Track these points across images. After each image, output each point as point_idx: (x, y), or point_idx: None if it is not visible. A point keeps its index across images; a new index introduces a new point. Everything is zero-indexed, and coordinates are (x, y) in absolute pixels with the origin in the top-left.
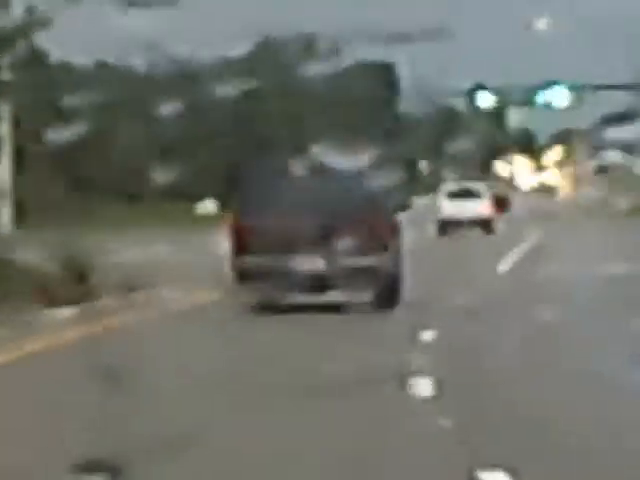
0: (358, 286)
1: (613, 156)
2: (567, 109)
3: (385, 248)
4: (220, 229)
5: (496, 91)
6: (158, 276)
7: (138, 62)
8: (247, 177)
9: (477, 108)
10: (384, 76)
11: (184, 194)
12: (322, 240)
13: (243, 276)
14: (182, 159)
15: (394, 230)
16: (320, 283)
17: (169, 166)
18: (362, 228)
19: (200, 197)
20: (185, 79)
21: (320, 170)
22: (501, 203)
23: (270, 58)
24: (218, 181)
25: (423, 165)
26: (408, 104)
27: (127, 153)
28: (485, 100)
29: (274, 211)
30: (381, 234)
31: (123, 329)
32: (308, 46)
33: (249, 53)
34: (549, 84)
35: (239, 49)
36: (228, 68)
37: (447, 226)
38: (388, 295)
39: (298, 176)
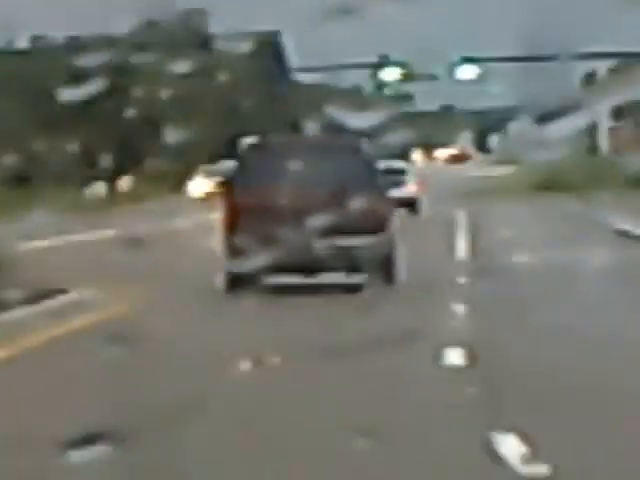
0: (355, 267)
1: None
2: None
3: (383, 227)
4: (109, 214)
5: (402, 65)
6: (67, 274)
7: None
8: (242, 155)
9: (382, 83)
10: (270, 49)
11: (73, 177)
12: (319, 219)
13: (236, 256)
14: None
15: (390, 208)
16: (316, 264)
17: (57, 148)
18: (361, 207)
19: (88, 180)
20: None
21: (318, 145)
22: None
23: (155, 36)
24: (107, 163)
25: None
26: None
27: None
28: (390, 75)
29: (270, 190)
30: (380, 213)
31: None
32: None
33: (132, 32)
34: (459, 59)
35: (121, 27)
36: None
37: None
38: (385, 276)
39: (295, 153)
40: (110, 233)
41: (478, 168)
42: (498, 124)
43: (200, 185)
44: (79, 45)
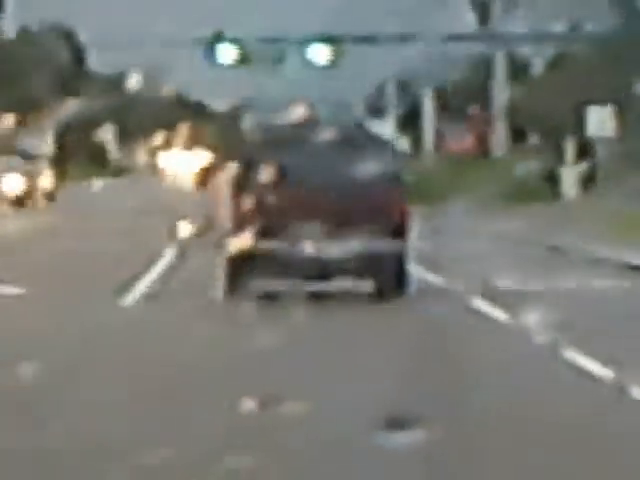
0: (371, 274)
1: None
2: (326, 68)
3: (404, 231)
4: None
5: (238, 44)
6: None
7: None
8: (250, 149)
9: (219, 65)
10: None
11: None
12: (335, 222)
13: (242, 260)
14: None
15: (409, 210)
16: (329, 270)
17: None
18: (381, 209)
19: None
20: None
21: (335, 140)
22: None
23: None
24: None
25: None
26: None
27: None
28: (227, 54)
29: (281, 188)
30: (400, 216)
31: None
32: None
33: None
34: (309, 38)
35: None
36: None
37: None
38: (397, 283)
39: (310, 147)
40: None
41: None
42: None
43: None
44: None
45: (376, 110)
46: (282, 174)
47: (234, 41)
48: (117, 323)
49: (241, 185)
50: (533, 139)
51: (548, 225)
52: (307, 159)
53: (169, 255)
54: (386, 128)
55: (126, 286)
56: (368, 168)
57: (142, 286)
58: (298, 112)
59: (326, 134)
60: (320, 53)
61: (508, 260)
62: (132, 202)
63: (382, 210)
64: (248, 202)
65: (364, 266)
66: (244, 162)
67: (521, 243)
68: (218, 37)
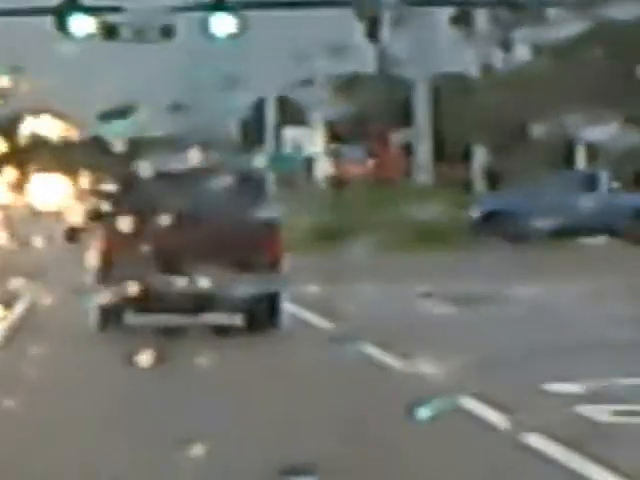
0: (242, 308)
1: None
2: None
3: (277, 266)
4: None
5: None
6: None
7: None
8: (119, 184)
9: (71, 37)
10: None
11: None
12: (205, 255)
13: (110, 292)
14: None
15: (280, 242)
16: (199, 304)
17: None
18: (254, 244)
19: None
20: None
21: (206, 170)
22: None
23: None
24: None
25: None
26: None
27: None
28: (83, 25)
29: (149, 222)
30: (273, 251)
31: None
32: None
33: None
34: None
35: None
36: None
37: None
38: (269, 318)
39: (178, 178)
40: None
41: None
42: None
43: None
44: None
45: (252, 127)
46: (157, 210)
47: (90, 10)
48: None
49: (113, 220)
50: (479, 156)
51: None
52: (183, 197)
53: None
54: (313, 138)
55: None
56: (242, 205)
57: None
58: (194, 157)
59: (205, 173)
60: (220, 23)
61: None
62: None
63: (255, 246)
64: (119, 237)
65: (236, 300)
66: (114, 200)
67: None
68: (71, 4)
